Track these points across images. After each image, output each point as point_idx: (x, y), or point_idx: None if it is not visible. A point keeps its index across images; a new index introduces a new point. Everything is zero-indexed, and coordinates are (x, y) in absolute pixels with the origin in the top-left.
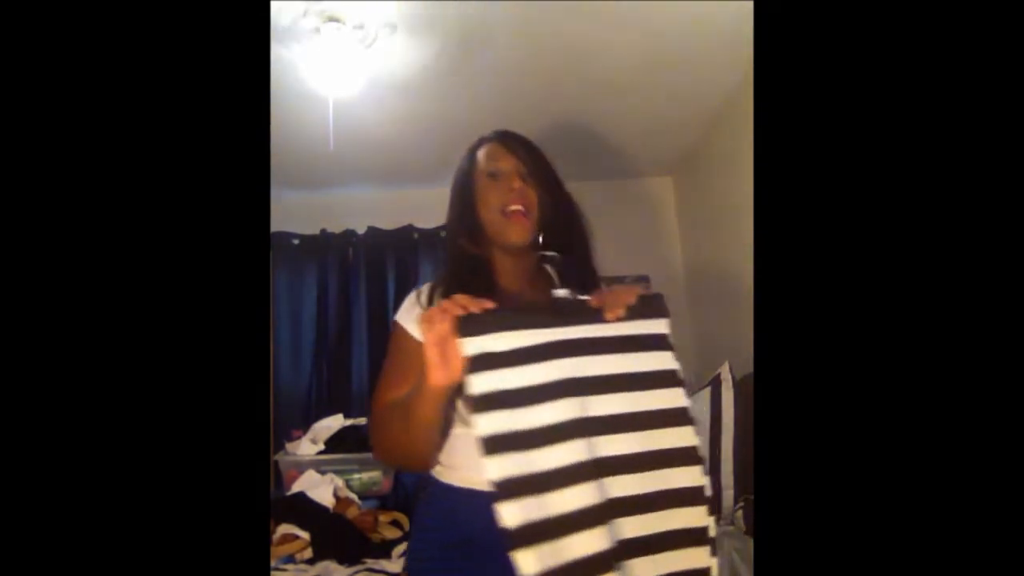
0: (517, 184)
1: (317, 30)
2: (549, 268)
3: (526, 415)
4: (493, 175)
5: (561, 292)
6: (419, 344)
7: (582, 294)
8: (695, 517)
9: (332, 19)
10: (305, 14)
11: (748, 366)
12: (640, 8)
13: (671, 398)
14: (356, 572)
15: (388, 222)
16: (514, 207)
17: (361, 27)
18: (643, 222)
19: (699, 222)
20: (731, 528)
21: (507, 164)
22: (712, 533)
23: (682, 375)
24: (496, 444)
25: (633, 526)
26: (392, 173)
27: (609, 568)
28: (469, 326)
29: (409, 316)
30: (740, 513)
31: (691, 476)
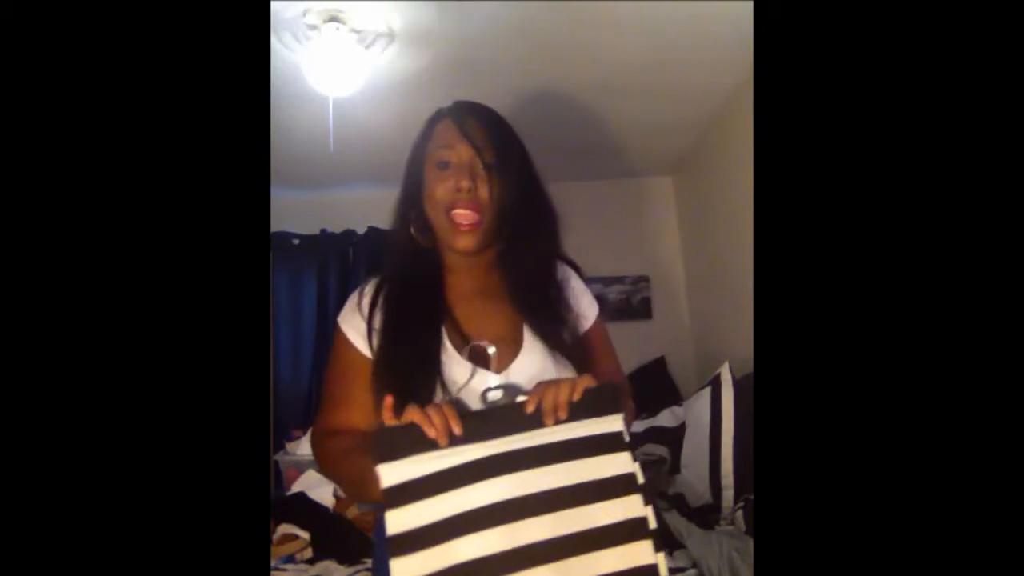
0: (466, 183)
1: (317, 30)
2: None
3: (450, 553)
4: (443, 165)
5: (493, 393)
6: (362, 356)
7: (516, 391)
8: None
9: (332, 19)
10: (305, 14)
11: (748, 366)
12: (640, 8)
13: (628, 508)
14: (356, 572)
15: (388, 222)
16: (460, 212)
17: (361, 27)
18: (643, 222)
19: (699, 222)
20: (731, 528)
21: (462, 153)
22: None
23: (640, 480)
24: None
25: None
26: (392, 173)
27: None
28: (385, 446)
29: (351, 323)
30: (740, 513)
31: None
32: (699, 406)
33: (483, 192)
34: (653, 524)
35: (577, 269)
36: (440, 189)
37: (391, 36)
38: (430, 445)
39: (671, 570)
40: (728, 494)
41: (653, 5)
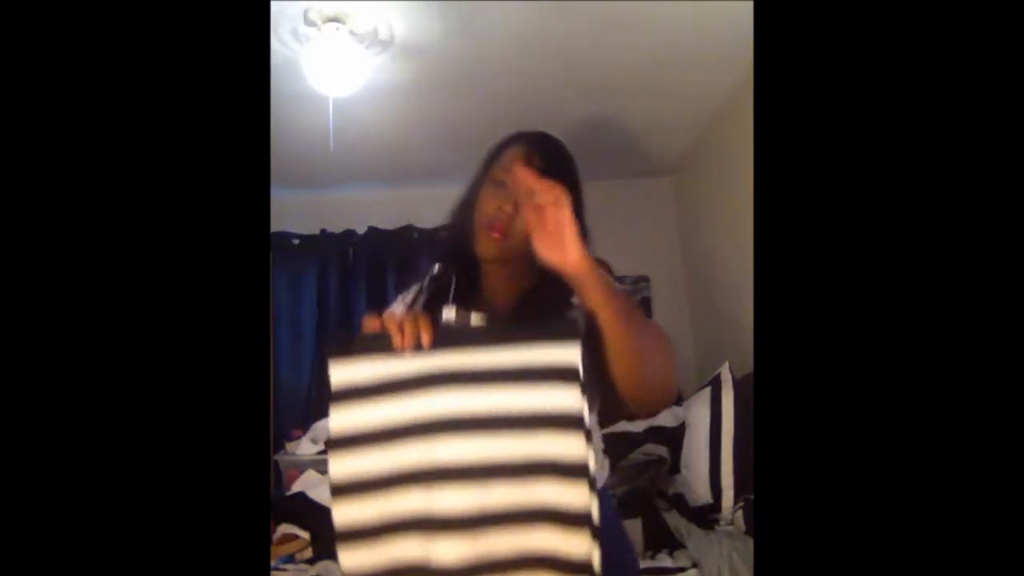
0: (508, 208)
1: (317, 30)
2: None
3: (379, 459)
4: (499, 184)
5: (449, 312)
6: None
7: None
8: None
9: (332, 19)
10: (305, 14)
11: (748, 366)
12: (640, 8)
13: (569, 446)
14: None
15: (388, 222)
16: (493, 233)
17: (361, 27)
18: (643, 222)
19: (699, 222)
20: (731, 528)
21: (523, 178)
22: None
23: (587, 421)
24: (344, 489)
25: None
26: (392, 173)
27: None
28: (338, 346)
29: (392, 308)
30: (740, 513)
31: (580, 541)
32: (699, 406)
33: (519, 221)
34: (593, 465)
35: (607, 266)
36: (488, 204)
37: (391, 36)
38: (389, 350)
39: (671, 570)
40: (728, 494)
41: (653, 5)
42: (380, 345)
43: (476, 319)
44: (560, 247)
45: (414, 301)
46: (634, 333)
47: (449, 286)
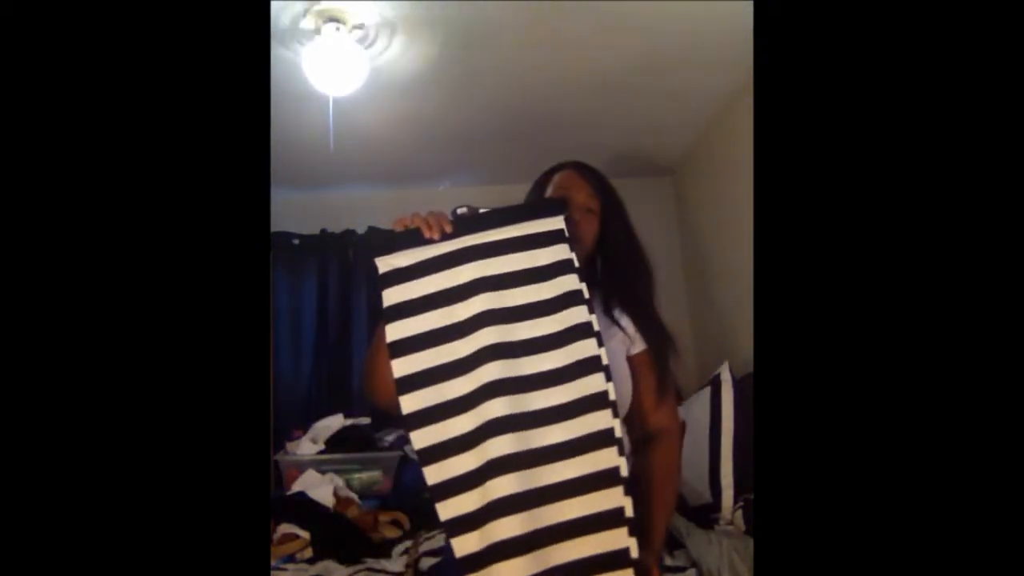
0: (575, 216)
1: (317, 30)
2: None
3: (436, 316)
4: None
5: (462, 209)
6: None
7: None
8: (593, 384)
9: (332, 19)
10: (305, 14)
11: (748, 366)
12: (640, 8)
13: (569, 283)
14: (356, 572)
15: (388, 222)
16: None
17: (361, 27)
18: (643, 222)
19: (699, 222)
20: (731, 528)
21: (577, 194)
22: (612, 397)
23: (576, 264)
24: (402, 347)
25: (536, 401)
26: (392, 173)
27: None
28: (381, 245)
29: None
30: (740, 513)
31: (590, 347)
32: (699, 406)
33: (585, 226)
34: (587, 295)
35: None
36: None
37: (391, 36)
38: (422, 242)
39: (671, 569)
40: (728, 494)
41: (653, 5)
42: (411, 239)
43: (482, 210)
44: (661, 408)
45: None
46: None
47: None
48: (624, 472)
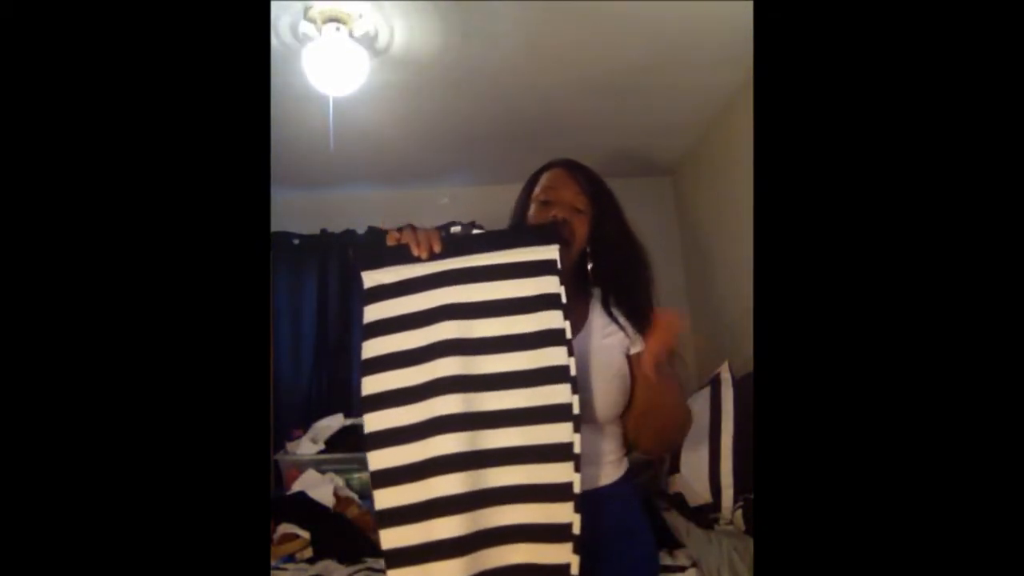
0: (561, 215)
1: (317, 30)
2: (593, 292)
3: (408, 337)
4: (545, 203)
5: (455, 228)
6: None
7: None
8: (559, 432)
9: (332, 19)
10: (305, 14)
11: (748, 366)
12: (640, 8)
13: (551, 320)
14: (356, 571)
15: (388, 222)
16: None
17: (361, 27)
18: (643, 222)
19: (699, 222)
20: (730, 528)
21: (565, 193)
22: (576, 490)
23: (563, 299)
24: (373, 366)
25: (498, 438)
26: (392, 173)
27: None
28: (368, 259)
29: None
30: (740, 513)
31: (561, 393)
32: (699, 406)
33: (573, 226)
34: (568, 335)
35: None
36: (540, 219)
37: (391, 36)
38: (410, 260)
39: (671, 569)
40: (728, 494)
41: (653, 5)
42: (400, 255)
43: (476, 231)
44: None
45: None
46: (659, 402)
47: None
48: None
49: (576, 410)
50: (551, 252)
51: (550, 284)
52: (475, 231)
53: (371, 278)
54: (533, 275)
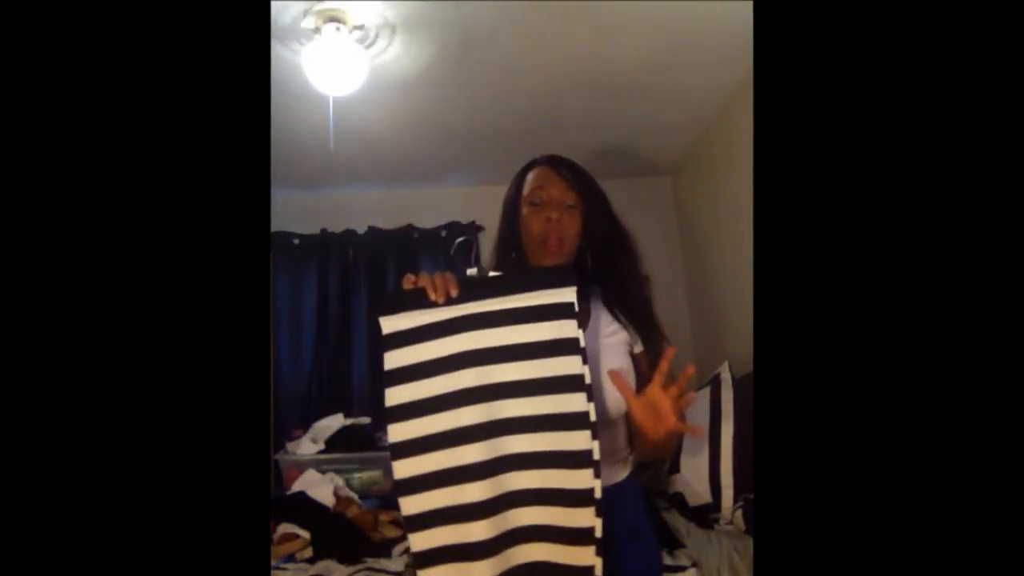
0: (555, 215)
1: (317, 30)
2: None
3: (429, 384)
4: (536, 204)
5: (472, 270)
6: None
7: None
8: (581, 478)
9: (332, 19)
10: (305, 14)
11: (748, 366)
12: (640, 8)
13: (568, 365)
14: (356, 571)
15: (388, 222)
16: (551, 239)
17: (361, 27)
18: (643, 222)
19: (699, 222)
20: (730, 527)
21: (553, 191)
22: (598, 495)
23: (582, 343)
24: (398, 414)
25: (521, 480)
26: (392, 173)
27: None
28: (386, 305)
29: None
30: (740, 513)
31: (582, 440)
32: (699, 406)
33: (567, 221)
34: (588, 380)
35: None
36: (535, 222)
37: (391, 36)
38: (427, 305)
39: (671, 568)
40: (728, 494)
41: (653, 5)
42: (417, 299)
43: (493, 273)
44: (657, 422)
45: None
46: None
47: (471, 252)
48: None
49: (596, 455)
50: (568, 295)
51: (568, 328)
52: (491, 274)
53: (389, 324)
54: (551, 319)
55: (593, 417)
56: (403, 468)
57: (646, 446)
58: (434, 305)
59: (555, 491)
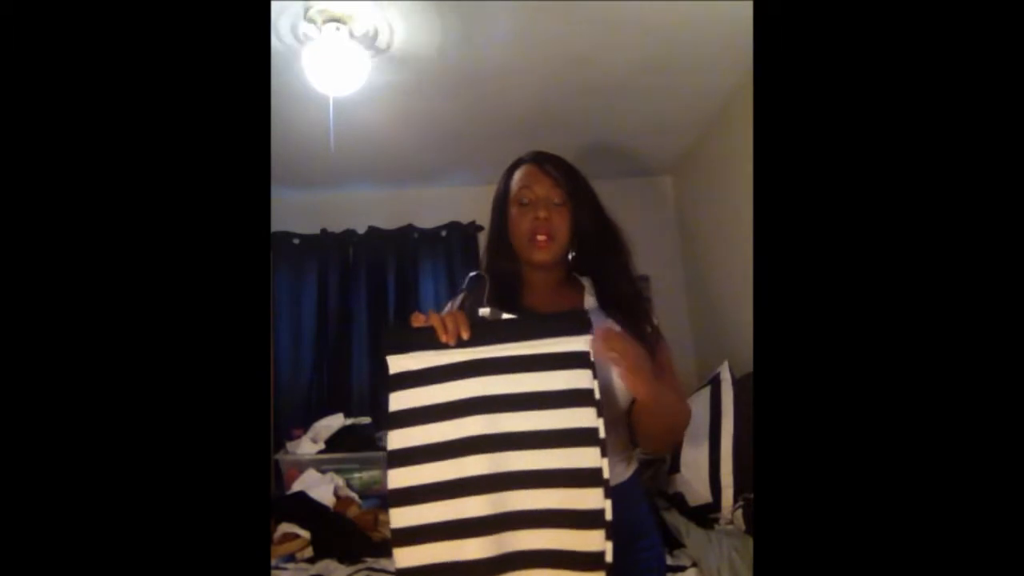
0: (543, 213)
1: (317, 30)
2: (584, 281)
3: (435, 430)
4: (524, 203)
5: (484, 311)
6: None
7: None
8: (592, 539)
9: (332, 19)
10: (305, 14)
11: (748, 366)
12: (640, 8)
13: (582, 418)
14: (356, 571)
15: (388, 222)
16: (539, 237)
17: (361, 27)
18: (643, 222)
19: (699, 222)
20: (730, 527)
21: (540, 189)
22: (608, 559)
23: (597, 395)
24: (401, 458)
25: (527, 540)
26: (392, 173)
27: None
28: (393, 344)
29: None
30: (740, 513)
31: (593, 497)
32: (699, 406)
33: (557, 219)
34: (603, 434)
35: (646, 280)
36: (524, 221)
37: (391, 36)
38: (436, 345)
39: (671, 568)
40: (728, 493)
41: (653, 5)
42: (427, 339)
43: (506, 316)
44: (640, 384)
45: (459, 304)
46: (662, 412)
47: (484, 290)
48: (606, 474)
49: (609, 515)
50: (583, 344)
51: (582, 378)
52: (504, 316)
53: (397, 364)
54: (564, 368)
55: (607, 474)
56: (401, 517)
57: (646, 427)
58: (444, 346)
59: (563, 552)
